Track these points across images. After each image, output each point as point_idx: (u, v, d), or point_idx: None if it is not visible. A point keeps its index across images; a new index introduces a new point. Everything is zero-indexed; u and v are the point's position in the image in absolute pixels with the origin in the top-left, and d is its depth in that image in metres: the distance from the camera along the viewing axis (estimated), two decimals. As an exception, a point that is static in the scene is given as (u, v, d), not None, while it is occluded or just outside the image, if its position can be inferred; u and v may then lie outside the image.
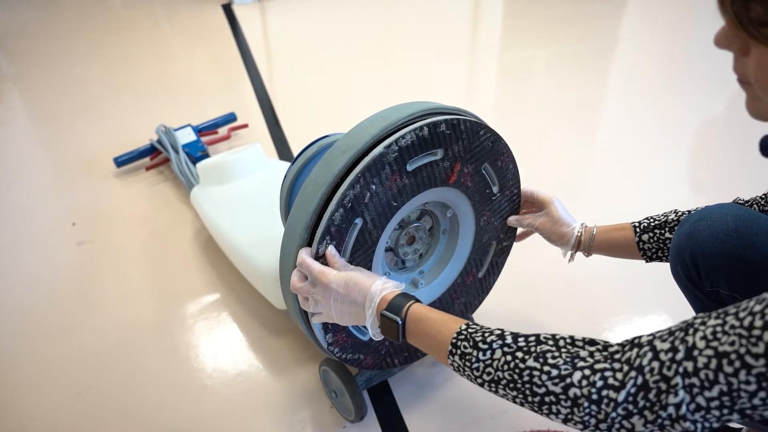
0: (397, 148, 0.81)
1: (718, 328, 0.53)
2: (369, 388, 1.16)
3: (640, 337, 0.59)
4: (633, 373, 0.56)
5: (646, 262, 0.96)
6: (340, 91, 2.32)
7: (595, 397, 0.57)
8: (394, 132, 0.82)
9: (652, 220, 0.94)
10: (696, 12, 2.94)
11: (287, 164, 1.53)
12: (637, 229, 0.95)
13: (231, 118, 1.99)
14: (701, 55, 2.48)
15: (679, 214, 0.92)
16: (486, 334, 0.67)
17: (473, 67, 2.58)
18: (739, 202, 0.91)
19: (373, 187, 0.82)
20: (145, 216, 1.68)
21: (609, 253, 1.00)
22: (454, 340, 0.69)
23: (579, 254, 1.03)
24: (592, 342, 0.62)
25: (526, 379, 0.62)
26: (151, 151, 1.85)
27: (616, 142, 1.95)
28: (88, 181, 1.83)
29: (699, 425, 0.54)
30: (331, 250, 0.83)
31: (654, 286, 1.37)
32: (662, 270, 1.40)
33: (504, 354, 0.65)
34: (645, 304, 1.34)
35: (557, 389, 0.60)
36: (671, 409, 0.54)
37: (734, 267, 0.79)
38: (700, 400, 0.53)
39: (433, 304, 1.03)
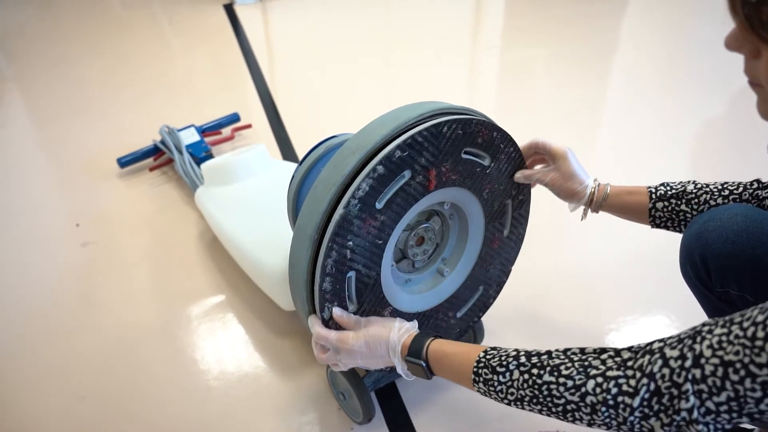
0: (357, 201, 0.79)
1: (723, 338, 0.55)
2: (376, 389, 1.15)
3: (651, 344, 0.61)
4: (645, 380, 0.58)
5: (651, 227, 0.95)
6: (343, 90, 2.31)
7: (611, 402, 0.60)
8: (404, 132, 0.82)
9: (669, 188, 0.92)
10: (696, 12, 2.94)
11: (292, 165, 1.52)
12: (653, 196, 0.92)
13: (234, 118, 1.99)
14: (702, 55, 2.48)
15: (699, 186, 0.90)
16: (502, 358, 0.72)
17: (474, 66, 2.58)
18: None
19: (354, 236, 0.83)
20: (148, 217, 1.67)
21: (618, 215, 0.98)
22: (475, 369, 0.74)
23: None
24: (603, 351, 0.65)
25: (545, 393, 0.66)
26: (155, 151, 1.84)
27: (617, 142, 1.95)
28: (91, 181, 1.83)
29: (711, 427, 0.56)
30: (336, 312, 0.86)
31: (661, 285, 1.37)
32: (669, 269, 1.40)
33: (521, 373, 0.69)
34: (651, 302, 1.34)
35: (575, 398, 0.63)
36: (684, 413, 0.56)
37: (745, 267, 0.80)
38: (709, 404, 0.55)
39: (466, 281, 1.03)
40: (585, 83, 2.31)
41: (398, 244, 0.96)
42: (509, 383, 0.70)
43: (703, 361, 0.55)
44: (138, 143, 1.89)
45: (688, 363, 0.56)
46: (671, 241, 1.00)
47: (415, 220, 0.95)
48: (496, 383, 0.71)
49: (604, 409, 0.61)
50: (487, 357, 0.73)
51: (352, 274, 0.86)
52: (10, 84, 2.50)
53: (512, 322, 1.30)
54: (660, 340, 0.61)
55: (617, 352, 0.64)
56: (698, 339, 0.57)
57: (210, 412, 1.15)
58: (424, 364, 0.80)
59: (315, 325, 0.86)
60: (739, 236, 0.81)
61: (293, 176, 1.03)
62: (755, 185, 0.89)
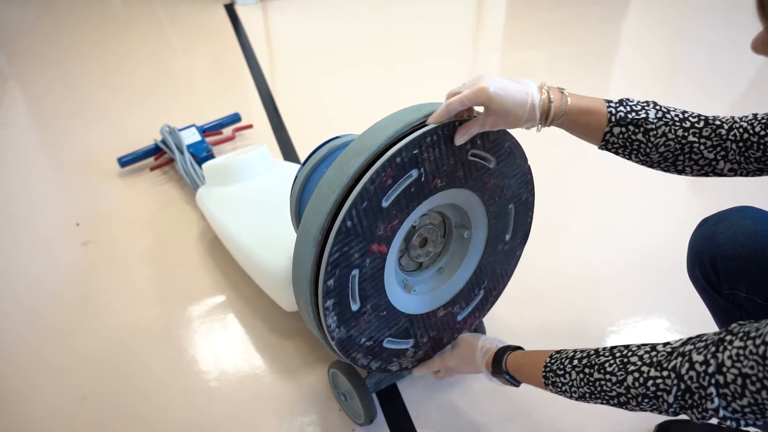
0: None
1: (741, 351, 0.59)
2: (378, 391, 1.15)
3: (685, 344, 0.66)
4: (676, 380, 0.64)
5: (599, 149, 0.86)
6: (344, 90, 2.31)
7: (651, 395, 0.67)
8: (409, 134, 0.82)
9: (629, 111, 0.81)
10: (697, 14, 2.94)
11: (294, 165, 1.52)
12: (612, 119, 0.81)
13: (235, 118, 1.99)
14: (703, 57, 2.48)
15: (659, 115, 0.81)
16: (564, 361, 0.79)
17: (475, 67, 2.58)
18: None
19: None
20: (149, 217, 1.67)
21: (567, 131, 0.87)
22: (543, 374, 0.82)
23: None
24: (644, 345, 0.71)
25: (599, 388, 0.73)
26: (156, 151, 1.84)
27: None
28: (91, 181, 1.82)
29: (741, 422, 0.62)
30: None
31: (662, 286, 1.37)
32: (670, 270, 1.40)
33: (577, 374, 0.76)
34: (652, 303, 1.34)
35: (621, 390, 0.70)
36: (711, 412, 0.62)
37: (755, 269, 0.80)
38: (735, 405, 0.60)
39: (467, 284, 1.04)
40: (585, 85, 2.30)
41: (402, 244, 0.96)
42: (570, 383, 0.77)
43: (725, 369, 0.60)
44: (139, 143, 1.89)
45: (711, 369, 0.61)
46: (673, 242, 1.00)
47: (419, 221, 0.95)
48: (560, 384, 0.78)
49: (645, 400, 0.68)
50: (551, 362, 0.81)
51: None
52: (10, 83, 2.50)
53: (512, 322, 1.30)
54: (692, 342, 0.65)
55: (653, 347, 0.69)
56: (721, 348, 0.61)
57: (211, 412, 1.15)
58: (508, 377, 0.90)
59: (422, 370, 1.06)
60: (749, 238, 0.81)
61: (296, 177, 1.03)
62: (744, 122, 0.79)
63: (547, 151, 1.87)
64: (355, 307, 0.89)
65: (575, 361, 0.77)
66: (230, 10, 3.06)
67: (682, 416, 0.69)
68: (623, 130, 0.81)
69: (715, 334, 0.64)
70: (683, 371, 0.63)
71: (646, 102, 0.83)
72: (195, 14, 3.06)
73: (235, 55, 2.60)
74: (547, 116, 0.82)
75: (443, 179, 0.87)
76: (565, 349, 0.81)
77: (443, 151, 0.85)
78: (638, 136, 0.81)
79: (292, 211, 1.06)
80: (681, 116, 0.81)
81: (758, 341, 0.57)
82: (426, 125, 0.82)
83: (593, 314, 1.33)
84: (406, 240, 0.96)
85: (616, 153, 0.84)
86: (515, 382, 0.90)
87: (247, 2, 3.11)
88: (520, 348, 0.93)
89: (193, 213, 1.66)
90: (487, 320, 1.26)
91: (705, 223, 0.89)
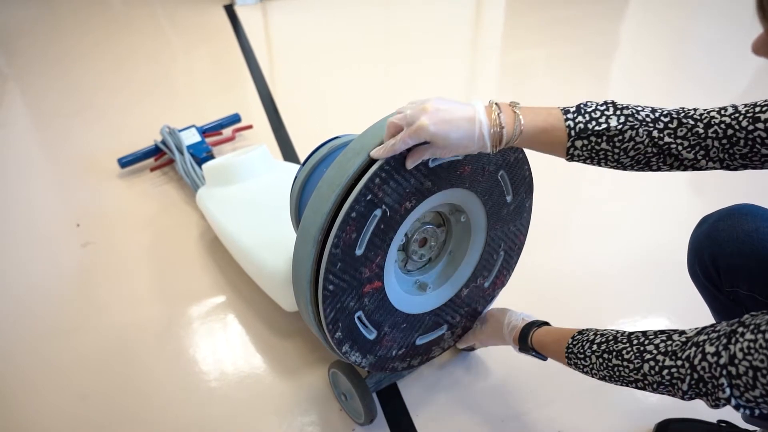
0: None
1: (752, 344, 0.60)
2: (378, 390, 1.15)
3: (699, 333, 0.68)
4: (689, 370, 0.66)
5: (567, 161, 0.81)
6: (343, 90, 2.31)
7: (666, 382, 0.70)
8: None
9: (588, 121, 0.76)
10: (697, 14, 2.95)
11: (294, 165, 1.52)
12: (571, 133, 0.76)
13: (235, 119, 1.99)
14: (702, 57, 2.49)
15: (622, 120, 0.75)
16: (584, 344, 0.82)
17: (474, 66, 2.58)
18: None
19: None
20: (149, 217, 1.67)
21: (530, 149, 0.82)
22: (566, 354, 0.85)
23: None
24: (657, 335, 0.73)
25: (617, 373, 0.76)
26: (156, 151, 1.84)
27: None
28: (91, 181, 1.82)
29: (756, 411, 0.64)
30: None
31: (661, 285, 1.37)
32: (670, 269, 1.40)
33: (597, 357, 0.79)
34: (652, 303, 1.34)
35: (638, 376, 0.73)
36: (724, 401, 0.64)
37: (756, 267, 0.80)
38: (747, 396, 0.62)
39: (464, 286, 1.04)
40: (585, 84, 2.31)
41: (400, 255, 0.97)
42: (590, 366, 0.80)
43: (736, 361, 0.61)
44: (139, 143, 1.89)
45: (722, 360, 0.63)
46: (673, 241, 1.00)
47: (410, 229, 0.95)
48: (581, 366, 0.82)
49: (661, 387, 0.71)
50: (573, 343, 0.84)
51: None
52: (10, 83, 2.50)
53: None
54: (706, 332, 0.67)
55: (669, 336, 0.71)
56: (733, 340, 0.63)
57: (211, 412, 1.15)
58: (533, 353, 0.95)
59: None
60: (749, 236, 0.81)
61: (296, 177, 1.03)
62: (726, 116, 0.73)
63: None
64: (372, 336, 0.93)
65: (594, 346, 0.79)
66: (230, 10, 3.06)
67: (683, 415, 0.70)
68: (585, 142, 0.76)
69: (728, 324, 0.65)
70: (696, 361, 0.65)
71: (606, 106, 0.77)
72: (194, 15, 3.06)
73: (234, 56, 2.60)
74: (500, 141, 0.76)
75: (411, 200, 0.86)
76: (586, 330, 0.84)
77: (399, 179, 0.82)
78: (602, 145, 0.76)
79: (292, 212, 1.06)
80: (652, 116, 0.75)
81: None
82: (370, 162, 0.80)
83: (593, 313, 1.33)
84: (404, 249, 0.97)
85: (584, 163, 0.79)
86: (542, 357, 0.95)
87: (247, 3, 3.11)
88: (546, 323, 0.97)
89: (193, 213, 1.66)
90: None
91: (705, 220, 0.89)
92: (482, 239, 1.01)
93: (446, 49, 2.67)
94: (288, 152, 1.91)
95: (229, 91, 2.35)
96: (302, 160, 1.27)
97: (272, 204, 1.34)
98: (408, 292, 0.99)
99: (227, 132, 1.96)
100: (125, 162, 1.81)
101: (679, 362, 0.68)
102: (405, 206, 0.86)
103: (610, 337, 0.78)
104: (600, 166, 0.79)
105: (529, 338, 0.95)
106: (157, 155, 1.84)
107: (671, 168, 0.77)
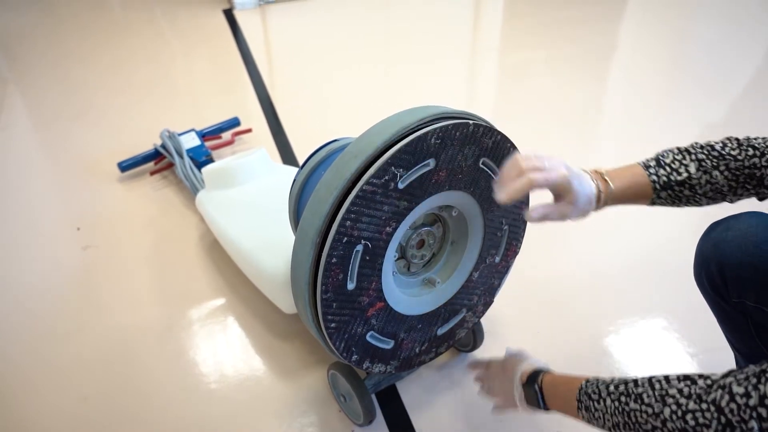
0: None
1: None
2: (377, 392, 1.16)
3: (726, 376, 0.64)
4: (716, 413, 0.62)
5: (648, 206, 0.87)
6: (342, 94, 2.32)
7: (689, 429, 0.65)
8: (406, 136, 0.83)
9: (670, 173, 0.82)
10: (696, 14, 2.96)
11: (293, 169, 1.53)
12: (656, 186, 0.83)
13: (235, 122, 2.00)
14: (702, 57, 2.49)
15: (696, 158, 0.82)
16: (600, 386, 0.76)
17: (473, 68, 2.59)
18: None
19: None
20: (149, 220, 1.68)
21: (615, 205, 0.87)
22: (578, 397, 0.78)
23: None
24: (685, 377, 0.68)
25: (633, 419, 0.70)
26: (156, 155, 1.85)
27: (615, 145, 1.96)
28: (92, 185, 1.83)
29: None
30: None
31: (661, 287, 1.38)
32: (670, 271, 1.41)
33: (612, 401, 0.73)
34: (652, 305, 1.35)
35: (657, 423, 0.68)
36: None
37: (763, 278, 0.78)
38: None
39: (460, 290, 1.04)
40: (584, 85, 2.32)
41: (400, 242, 0.97)
42: (604, 410, 0.74)
43: (767, 401, 0.58)
44: (139, 147, 1.90)
45: (752, 401, 0.59)
46: (673, 241, 1.01)
47: (419, 221, 0.96)
48: (593, 410, 0.76)
49: None
50: (587, 385, 0.78)
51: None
52: (11, 86, 2.51)
53: (512, 325, 1.30)
54: (732, 374, 0.64)
55: (693, 380, 0.67)
56: (762, 380, 0.60)
57: (211, 414, 1.15)
58: (538, 396, 0.87)
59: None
60: (758, 247, 0.79)
61: (295, 180, 1.04)
62: None
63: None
64: (389, 345, 0.95)
65: (611, 387, 0.75)
66: (229, 14, 3.07)
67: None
68: (669, 192, 0.83)
69: (757, 365, 0.63)
70: (723, 403, 0.62)
71: (682, 154, 0.83)
72: (194, 19, 3.07)
73: (234, 60, 2.61)
74: (598, 203, 0.84)
75: (390, 224, 0.86)
76: (602, 377, 0.78)
77: (371, 212, 0.83)
78: (685, 192, 0.83)
79: (291, 214, 1.07)
80: (723, 152, 0.82)
81: None
82: (422, 128, 0.83)
83: (592, 314, 1.33)
84: (402, 257, 0.98)
85: (665, 206, 0.87)
86: (543, 403, 0.88)
87: (246, 7, 3.12)
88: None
89: (192, 217, 1.67)
90: (488, 321, 1.27)
91: (713, 228, 0.87)
92: (480, 223, 1.00)
93: (446, 50, 2.68)
94: (287, 155, 1.91)
95: (229, 95, 2.36)
96: (301, 163, 1.28)
97: (271, 207, 1.35)
98: (416, 295, 1.00)
99: (226, 136, 1.97)
100: (125, 166, 1.82)
101: (704, 405, 0.64)
102: (386, 231, 0.86)
103: (630, 381, 0.74)
104: (680, 207, 0.86)
105: (539, 378, 0.88)
106: (157, 159, 1.85)
107: (743, 197, 0.82)
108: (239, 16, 3.05)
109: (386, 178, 0.82)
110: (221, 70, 2.58)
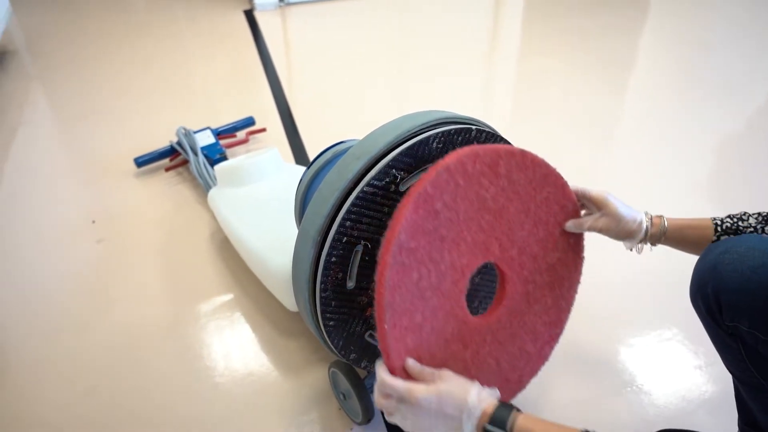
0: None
1: None
2: (377, 391, 1.17)
3: None
4: None
5: None
6: (358, 97, 2.34)
7: None
8: (408, 139, 0.84)
9: (737, 221, 0.90)
10: (716, 28, 2.93)
11: (304, 169, 1.55)
12: (719, 229, 0.90)
13: (249, 122, 2.03)
14: (721, 72, 2.47)
15: (760, 220, 0.88)
16: None
17: (491, 74, 2.60)
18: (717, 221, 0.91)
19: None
20: (162, 216, 1.71)
21: (676, 247, 0.97)
22: None
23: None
24: None
25: None
26: (171, 152, 1.89)
27: (630, 154, 1.95)
28: (108, 180, 1.87)
29: None
30: (410, 363, 0.78)
31: (665, 299, 1.37)
32: (671, 284, 1.40)
33: None
34: (655, 315, 1.34)
35: None
36: None
37: (760, 304, 0.77)
38: None
39: None
40: (600, 94, 2.31)
41: None
42: None
43: None
44: (155, 144, 1.94)
45: None
46: (674, 256, 1.01)
47: None
48: None
49: None
50: None
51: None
52: (35, 82, 2.57)
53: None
54: None
55: None
56: None
57: (214, 408, 1.17)
58: None
59: (382, 372, 0.78)
60: (755, 272, 0.77)
61: (301, 180, 1.06)
62: None
63: (560, 163, 1.88)
64: None
65: None
66: (249, 15, 3.11)
67: (680, 426, 0.60)
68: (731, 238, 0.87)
69: None
70: None
71: (757, 213, 0.90)
72: (215, 19, 3.12)
73: (252, 60, 2.65)
74: (647, 233, 0.95)
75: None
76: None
77: (371, 213, 0.86)
78: None
79: (296, 213, 1.09)
80: None
81: None
82: (422, 132, 0.84)
83: (597, 323, 1.33)
84: None
85: None
86: None
87: (266, 8, 3.16)
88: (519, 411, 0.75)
89: (205, 213, 1.70)
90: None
91: (712, 250, 0.85)
92: None
93: (463, 56, 2.69)
94: (301, 156, 1.94)
95: (246, 95, 2.39)
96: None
97: (280, 205, 1.37)
98: None
99: (241, 135, 2.00)
100: (141, 162, 1.85)
101: None
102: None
103: None
104: None
105: (510, 419, 0.71)
106: (173, 156, 1.88)
107: None
108: (259, 17, 3.09)
109: (387, 180, 0.83)
110: (239, 70, 2.62)
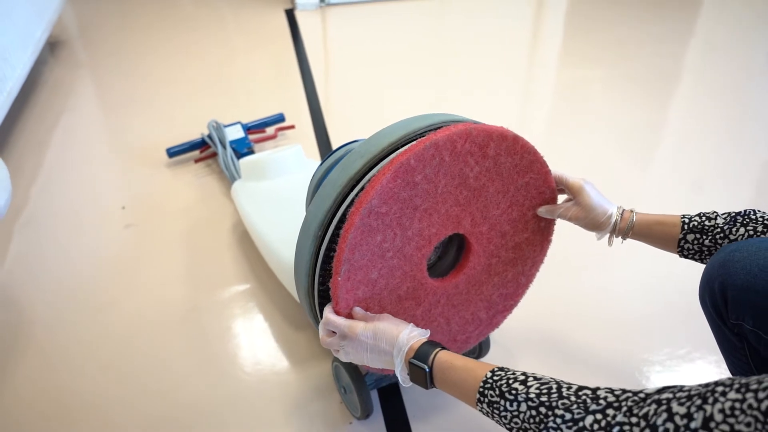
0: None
1: (737, 405, 0.51)
2: (379, 388, 1.19)
3: (662, 391, 0.59)
4: (647, 430, 0.56)
5: (679, 257, 0.95)
6: (392, 100, 2.36)
7: None
8: (413, 140, 0.86)
9: (705, 219, 0.90)
10: (763, 49, 2.84)
11: (324, 166, 1.58)
12: (685, 227, 0.91)
13: (279, 118, 2.07)
14: (764, 94, 2.40)
15: (728, 220, 0.88)
16: (511, 381, 0.69)
17: (529, 82, 2.58)
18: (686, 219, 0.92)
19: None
20: (189, 205, 1.77)
21: (646, 242, 0.98)
22: (481, 389, 0.72)
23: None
24: (617, 389, 0.63)
25: (543, 425, 0.64)
26: (202, 144, 1.94)
27: (670, 171, 1.91)
28: (140, 168, 1.94)
29: None
30: (356, 309, 0.88)
31: (680, 310, 1.35)
32: (687, 297, 1.38)
33: (528, 408, 0.66)
34: (666, 327, 1.32)
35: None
36: None
37: (764, 303, 0.77)
38: None
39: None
40: (642, 109, 2.27)
41: None
42: (515, 413, 0.67)
43: (712, 425, 0.52)
44: (189, 135, 2.00)
45: (694, 424, 0.53)
46: (690, 267, 1.00)
47: None
48: (501, 408, 0.69)
49: None
50: (495, 378, 0.71)
51: None
52: (82, 71, 2.68)
53: (519, 338, 1.31)
54: (670, 390, 0.58)
55: (623, 390, 0.62)
56: (710, 399, 0.53)
57: (222, 392, 1.21)
58: (427, 369, 0.78)
59: (327, 311, 0.87)
60: (763, 271, 0.78)
61: (313, 176, 1.09)
62: None
63: (596, 174, 1.86)
64: None
65: (532, 394, 0.67)
66: (290, 14, 3.17)
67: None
68: (697, 236, 0.90)
69: (701, 385, 0.56)
70: (659, 421, 0.55)
71: (727, 213, 0.90)
72: (257, 17, 3.19)
73: (289, 58, 2.70)
74: (616, 227, 0.97)
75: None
76: (511, 370, 0.72)
77: None
78: (705, 242, 0.89)
79: (307, 207, 1.11)
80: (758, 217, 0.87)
81: (762, 395, 0.49)
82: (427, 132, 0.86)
83: (604, 338, 1.32)
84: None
85: (694, 260, 0.93)
86: (430, 382, 0.79)
87: (307, 8, 3.21)
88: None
89: (229, 205, 1.75)
90: (500, 335, 1.27)
91: (723, 249, 0.87)
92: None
93: (501, 65, 2.68)
94: (327, 154, 1.97)
95: (279, 92, 2.44)
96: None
97: (298, 201, 1.40)
98: None
99: (270, 130, 2.05)
100: (173, 152, 1.91)
101: (634, 419, 0.57)
102: None
103: (554, 390, 0.66)
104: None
105: (433, 353, 0.79)
106: (203, 148, 1.94)
107: None
108: (300, 17, 3.14)
109: None
110: (276, 67, 2.67)
